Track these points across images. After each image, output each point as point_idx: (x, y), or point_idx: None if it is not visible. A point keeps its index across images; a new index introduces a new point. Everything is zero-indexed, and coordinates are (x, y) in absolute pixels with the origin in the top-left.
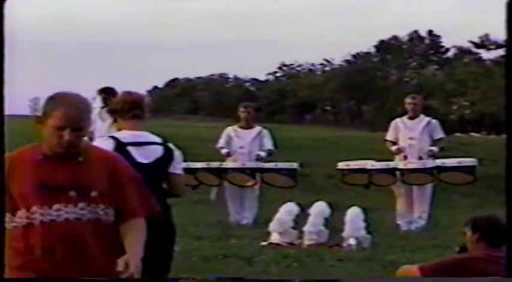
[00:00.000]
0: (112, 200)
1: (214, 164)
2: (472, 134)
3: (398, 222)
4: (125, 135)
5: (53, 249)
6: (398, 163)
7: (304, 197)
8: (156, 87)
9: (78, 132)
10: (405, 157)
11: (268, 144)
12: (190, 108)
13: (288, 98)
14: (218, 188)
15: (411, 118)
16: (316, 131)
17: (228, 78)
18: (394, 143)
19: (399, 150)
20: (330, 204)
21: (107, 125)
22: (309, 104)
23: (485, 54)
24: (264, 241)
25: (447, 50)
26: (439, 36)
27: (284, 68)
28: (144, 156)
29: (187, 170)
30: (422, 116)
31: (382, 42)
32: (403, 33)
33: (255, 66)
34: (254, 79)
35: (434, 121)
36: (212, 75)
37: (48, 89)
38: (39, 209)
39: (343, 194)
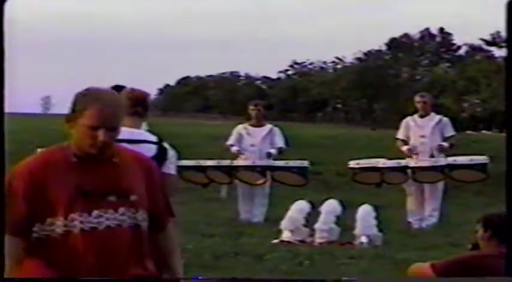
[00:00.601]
0: (147, 204)
1: (225, 162)
2: (484, 131)
3: (410, 220)
4: (121, 131)
5: (95, 259)
6: (410, 161)
7: (315, 195)
8: (167, 85)
9: (112, 132)
10: (416, 155)
11: (279, 142)
12: (201, 106)
13: (300, 96)
14: (229, 186)
15: (422, 116)
16: (327, 129)
17: (240, 76)
18: (405, 142)
19: (410, 151)
20: (341, 202)
21: None
22: (320, 101)
23: (496, 51)
24: (275, 239)
25: (458, 47)
26: (450, 34)
27: (295, 66)
28: None
29: (198, 168)
30: (433, 114)
31: (393, 40)
32: (414, 31)
33: (267, 64)
34: (265, 77)
35: (445, 119)
36: (223, 73)
37: (57, 88)
38: (79, 216)
39: (355, 192)
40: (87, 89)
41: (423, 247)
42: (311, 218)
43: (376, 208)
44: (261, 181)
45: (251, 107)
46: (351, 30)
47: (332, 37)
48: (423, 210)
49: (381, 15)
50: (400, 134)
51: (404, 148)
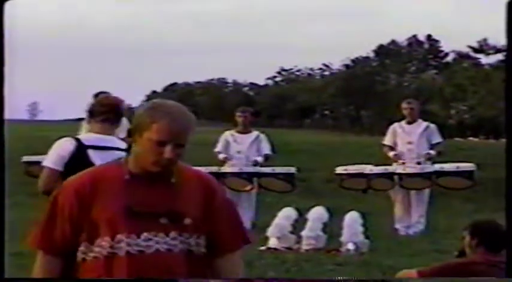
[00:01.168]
0: (206, 228)
1: (212, 169)
2: (471, 138)
3: (397, 226)
4: (90, 137)
5: None
6: (397, 168)
7: (302, 201)
8: (154, 91)
9: (180, 149)
10: (402, 161)
11: (266, 149)
12: None
13: (287, 103)
14: None
15: (409, 123)
16: (315, 136)
17: (227, 82)
18: (392, 148)
19: (397, 156)
20: (328, 209)
21: None
22: (308, 108)
23: (484, 59)
24: (262, 246)
25: (446, 54)
26: (437, 41)
27: (283, 72)
28: (104, 160)
29: None
30: (420, 120)
31: (381, 46)
32: (401, 38)
33: (254, 70)
34: (253, 84)
35: (432, 125)
36: (211, 79)
37: (44, 94)
38: (126, 237)
39: (342, 198)
40: (155, 102)
41: (410, 254)
42: (298, 224)
43: (363, 215)
44: (247, 187)
45: (238, 114)
46: (338, 37)
47: (319, 44)
48: (410, 217)
49: (369, 22)
50: (387, 140)
51: (391, 154)
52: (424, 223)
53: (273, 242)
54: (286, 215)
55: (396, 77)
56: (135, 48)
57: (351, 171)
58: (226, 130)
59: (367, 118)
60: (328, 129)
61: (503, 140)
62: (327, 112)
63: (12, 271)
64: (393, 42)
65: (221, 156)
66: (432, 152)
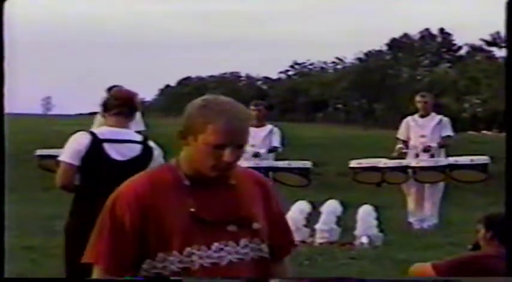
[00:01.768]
0: (268, 232)
1: None
2: (484, 131)
3: (410, 220)
4: (104, 131)
5: None
6: (411, 161)
7: (316, 195)
8: (168, 85)
9: (240, 150)
10: (416, 155)
11: (275, 141)
12: None
13: (300, 97)
14: None
15: (422, 116)
16: (327, 129)
17: (240, 76)
18: (405, 141)
19: (401, 150)
20: (341, 203)
21: None
22: (321, 102)
23: (497, 51)
24: None
25: (459, 47)
26: (450, 34)
27: (296, 66)
28: (120, 153)
29: None
30: (433, 114)
31: (393, 40)
32: (414, 31)
33: (267, 64)
34: (266, 77)
35: (445, 119)
36: (224, 73)
37: (57, 89)
38: (197, 250)
39: (355, 192)
40: (206, 99)
41: (424, 247)
42: (312, 218)
43: (377, 208)
44: None
45: (252, 108)
46: (351, 30)
47: (332, 37)
48: (423, 210)
49: (382, 16)
50: (400, 134)
51: (397, 147)
52: (437, 216)
53: None
54: (299, 208)
55: (409, 70)
56: (149, 43)
57: (364, 165)
58: None
59: (380, 112)
60: (341, 123)
61: None
62: (339, 106)
63: (25, 265)
64: (406, 35)
65: None
66: (441, 141)
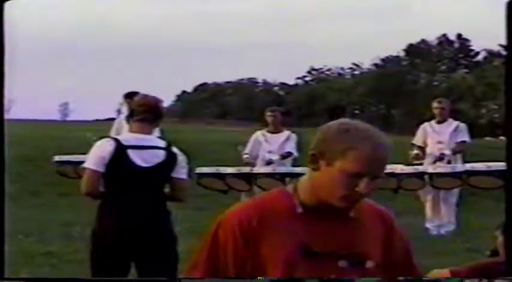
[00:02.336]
0: (384, 271)
1: (245, 169)
2: (502, 137)
3: (428, 226)
4: (128, 137)
5: None
6: (428, 167)
7: None
8: (184, 91)
9: (376, 182)
10: (435, 161)
11: (289, 147)
12: (219, 113)
13: (317, 102)
14: (249, 193)
15: (439, 122)
16: None
17: (257, 82)
18: (421, 148)
19: (417, 156)
20: None
21: None
22: (338, 108)
23: None
24: None
25: (477, 53)
26: (468, 40)
27: (313, 72)
28: (144, 160)
29: (217, 175)
30: (450, 120)
31: (411, 45)
32: (432, 37)
33: (284, 70)
34: (283, 83)
35: (462, 125)
36: (241, 79)
37: (76, 92)
38: None
39: (372, 198)
40: (347, 123)
41: (442, 253)
42: None
43: (394, 214)
44: None
45: (268, 114)
46: (368, 36)
47: (350, 43)
48: (441, 216)
49: (399, 21)
50: (417, 140)
51: (413, 153)
52: (455, 222)
53: None
54: None
55: (426, 76)
56: (166, 49)
57: None
58: (257, 130)
59: (398, 117)
60: None
61: None
62: (357, 111)
63: (44, 270)
64: (423, 41)
65: (245, 157)
66: (455, 146)
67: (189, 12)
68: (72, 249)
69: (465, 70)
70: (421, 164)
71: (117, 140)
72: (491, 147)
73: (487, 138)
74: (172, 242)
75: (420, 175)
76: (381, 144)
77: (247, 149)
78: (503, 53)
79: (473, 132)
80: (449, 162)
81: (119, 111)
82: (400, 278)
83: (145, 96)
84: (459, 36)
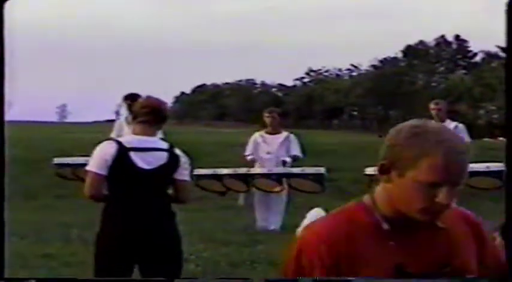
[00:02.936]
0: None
1: (242, 170)
2: (500, 138)
3: None
4: (131, 139)
5: None
6: None
7: (331, 202)
8: (183, 93)
9: (456, 190)
10: None
11: (295, 150)
12: (217, 114)
13: (315, 103)
14: (246, 194)
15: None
16: (343, 136)
17: (255, 83)
18: None
19: None
20: None
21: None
22: (336, 109)
23: None
24: None
25: (474, 54)
26: (466, 41)
27: (311, 73)
28: (147, 162)
29: (215, 176)
30: (448, 121)
31: (409, 47)
32: (430, 38)
33: (282, 71)
34: (281, 84)
35: (460, 126)
36: (239, 80)
37: (72, 96)
38: None
39: None
40: (418, 126)
41: None
42: None
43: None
44: (277, 188)
45: (266, 115)
46: (366, 37)
47: (347, 44)
48: None
49: (397, 22)
50: None
51: None
52: None
53: None
54: (315, 215)
55: (424, 77)
56: (164, 50)
57: None
58: (255, 131)
59: (396, 118)
60: (356, 129)
61: None
62: (355, 112)
63: (42, 272)
64: (421, 42)
65: (249, 158)
66: None
67: (187, 14)
68: (71, 251)
69: (463, 71)
70: None
71: (119, 142)
72: (490, 148)
73: (485, 139)
74: (177, 244)
75: None
76: (457, 148)
77: (249, 150)
78: (501, 54)
79: (471, 133)
80: None
81: (117, 113)
82: None
83: (149, 98)
84: (457, 37)
